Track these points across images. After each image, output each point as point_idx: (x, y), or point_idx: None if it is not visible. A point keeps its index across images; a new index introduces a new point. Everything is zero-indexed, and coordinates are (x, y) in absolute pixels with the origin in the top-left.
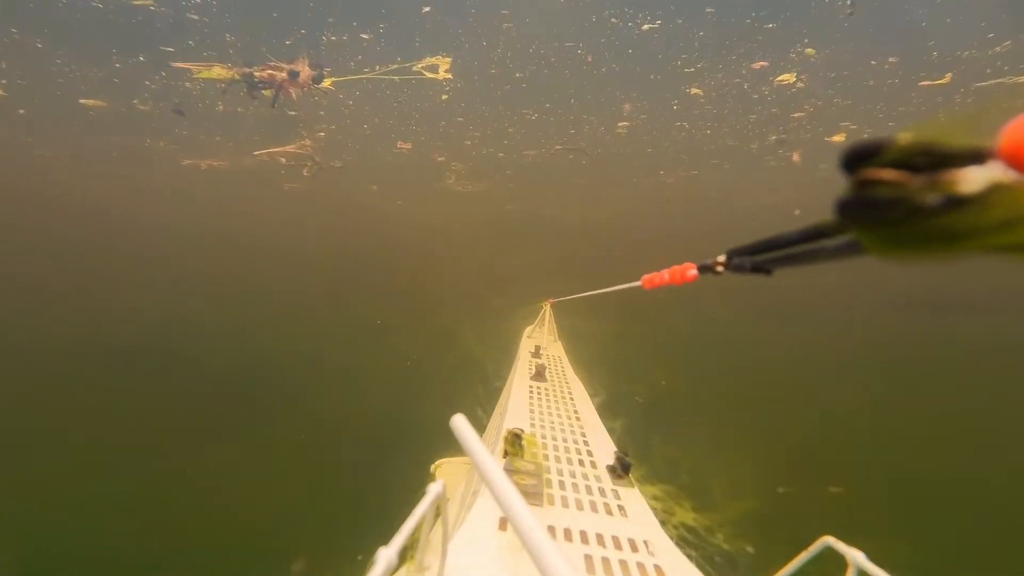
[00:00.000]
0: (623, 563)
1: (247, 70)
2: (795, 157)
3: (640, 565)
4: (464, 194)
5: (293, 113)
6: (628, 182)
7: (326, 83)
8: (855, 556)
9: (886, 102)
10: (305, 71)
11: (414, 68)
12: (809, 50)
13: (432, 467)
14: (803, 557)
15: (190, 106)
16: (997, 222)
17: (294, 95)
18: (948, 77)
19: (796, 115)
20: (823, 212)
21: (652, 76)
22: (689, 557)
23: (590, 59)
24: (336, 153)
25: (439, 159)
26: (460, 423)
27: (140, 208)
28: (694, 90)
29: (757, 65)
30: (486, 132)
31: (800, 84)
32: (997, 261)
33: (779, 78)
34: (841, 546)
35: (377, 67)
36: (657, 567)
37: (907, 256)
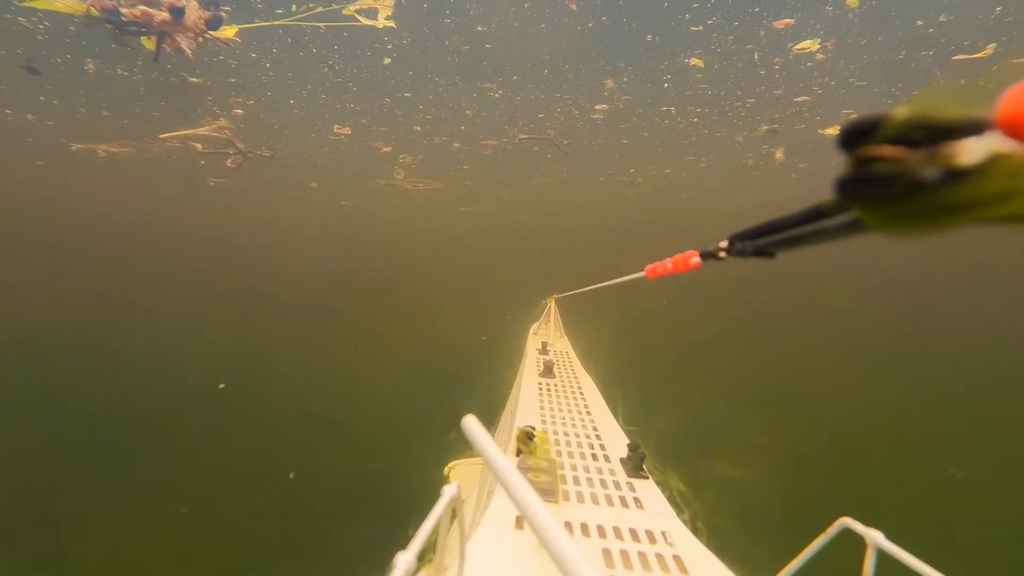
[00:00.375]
0: (642, 555)
1: (110, 3)
2: (778, 154)
3: (659, 556)
4: (415, 193)
5: (196, 80)
6: (594, 181)
7: (228, 32)
8: (874, 536)
9: (906, 83)
10: (193, 8)
11: (345, 11)
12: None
13: (446, 469)
14: (821, 540)
15: (42, 60)
16: (997, 192)
17: (186, 48)
18: (990, 49)
19: (800, 99)
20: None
21: (649, 36)
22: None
23: (574, 7)
24: (262, 138)
25: (385, 149)
26: (471, 424)
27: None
28: (694, 60)
29: (781, 24)
30: (439, 113)
31: (820, 56)
32: (999, 232)
33: (799, 45)
34: (859, 527)
35: (295, 7)
36: (676, 558)
37: (909, 231)
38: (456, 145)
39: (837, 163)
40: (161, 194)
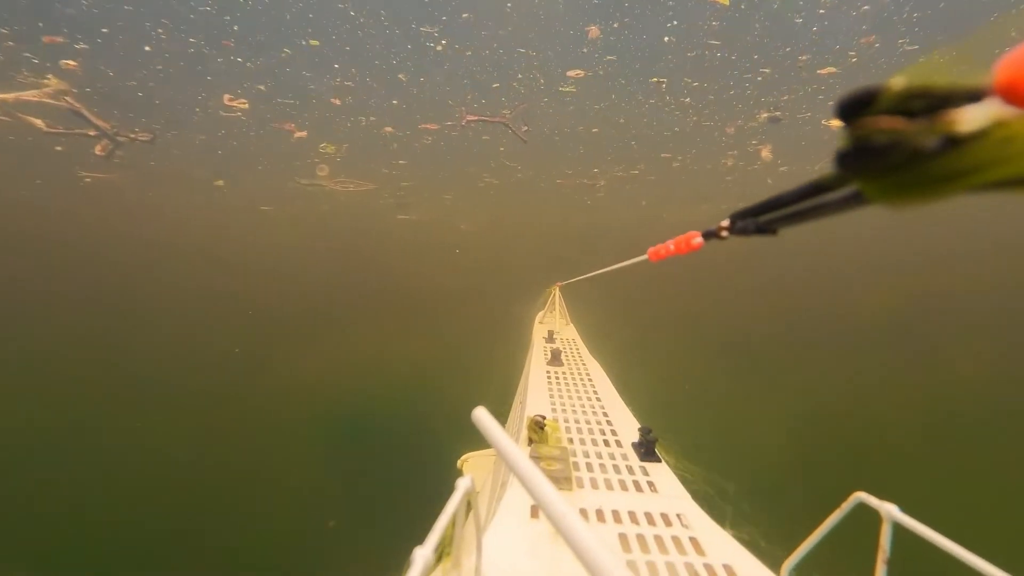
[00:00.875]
0: (658, 538)
1: None
2: (764, 152)
3: (675, 539)
4: (344, 196)
5: None
6: (551, 183)
7: None
8: (889, 509)
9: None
10: None
11: None
12: None
13: (459, 462)
14: (837, 515)
15: None
16: (996, 158)
17: None
18: None
19: (825, 71)
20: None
21: None
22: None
23: None
24: (126, 113)
25: (299, 134)
26: (482, 415)
27: None
28: None
29: None
30: (363, 78)
31: None
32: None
33: None
34: (873, 501)
35: None
36: (692, 539)
37: (911, 201)
38: (388, 129)
39: (822, 167)
40: (16, 194)
